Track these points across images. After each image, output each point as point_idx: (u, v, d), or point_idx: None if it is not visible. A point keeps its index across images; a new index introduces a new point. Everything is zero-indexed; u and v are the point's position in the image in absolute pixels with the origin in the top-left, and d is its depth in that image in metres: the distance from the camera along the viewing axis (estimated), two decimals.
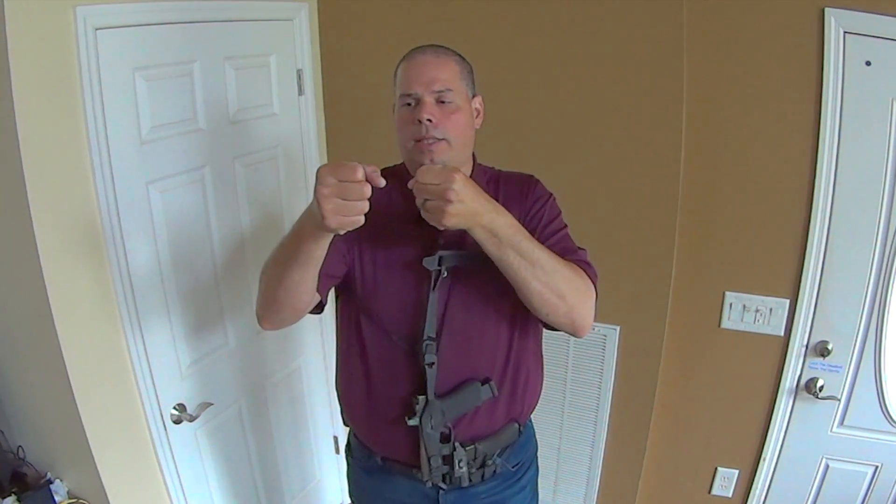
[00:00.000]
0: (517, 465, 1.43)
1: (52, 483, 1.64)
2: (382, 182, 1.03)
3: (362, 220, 1.02)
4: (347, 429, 1.51)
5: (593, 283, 1.25)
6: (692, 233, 1.96)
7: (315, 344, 2.40)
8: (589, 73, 1.90)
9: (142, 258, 1.69)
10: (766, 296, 1.96)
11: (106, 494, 1.64)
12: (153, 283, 1.74)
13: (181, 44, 1.72)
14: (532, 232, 1.25)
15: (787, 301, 1.94)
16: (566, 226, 1.36)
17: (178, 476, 1.88)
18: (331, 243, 1.17)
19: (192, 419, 1.85)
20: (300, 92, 2.15)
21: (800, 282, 1.90)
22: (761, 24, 1.75)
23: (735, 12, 1.77)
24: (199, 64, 1.77)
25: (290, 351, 2.29)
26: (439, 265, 1.24)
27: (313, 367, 2.42)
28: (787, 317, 1.95)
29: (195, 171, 1.83)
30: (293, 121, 2.16)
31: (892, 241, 1.81)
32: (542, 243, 1.22)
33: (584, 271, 1.24)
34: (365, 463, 1.46)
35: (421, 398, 1.28)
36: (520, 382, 1.37)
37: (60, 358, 1.51)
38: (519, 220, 1.24)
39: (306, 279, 1.18)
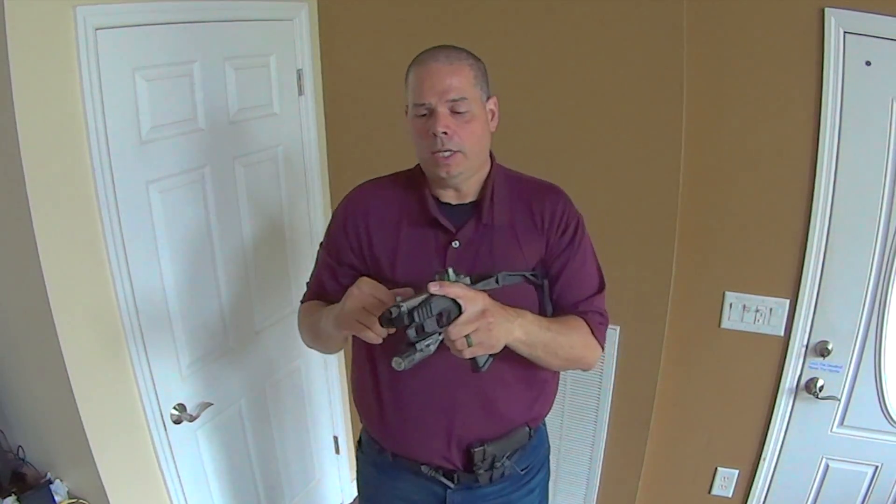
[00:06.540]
0: (526, 468, 1.42)
1: (52, 483, 1.64)
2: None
3: (372, 337, 1.15)
4: (355, 425, 1.52)
5: (603, 336, 1.37)
6: (692, 233, 1.96)
7: None
8: (589, 73, 1.90)
9: (142, 258, 1.69)
10: (766, 296, 1.96)
11: (106, 494, 1.64)
12: (153, 283, 1.74)
13: (181, 44, 1.72)
14: (552, 263, 1.32)
15: (787, 301, 1.94)
16: (592, 248, 1.39)
17: (178, 476, 1.88)
18: (339, 265, 1.34)
19: (192, 419, 1.85)
20: (300, 92, 2.15)
21: (800, 282, 1.90)
22: (761, 24, 1.75)
23: (735, 12, 1.77)
24: (199, 64, 1.77)
25: (289, 351, 2.29)
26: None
27: (313, 368, 2.42)
28: (787, 317, 1.95)
29: (195, 171, 1.83)
30: (293, 121, 2.16)
31: (892, 241, 1.81)
32: (563, 286, 1.33)
33: (595, 330, 1.33)
34: (375, 458, 1.46)
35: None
36: (535, 388, 1.38)
37: (60, 358, 1.51)
38: (539, 239, 1.30)
39: (335, 345, 1.41)
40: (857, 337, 1.91)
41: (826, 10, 1.67)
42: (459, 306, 1.10)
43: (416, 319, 1.06)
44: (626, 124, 1.90)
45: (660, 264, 1.98)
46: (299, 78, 2.14)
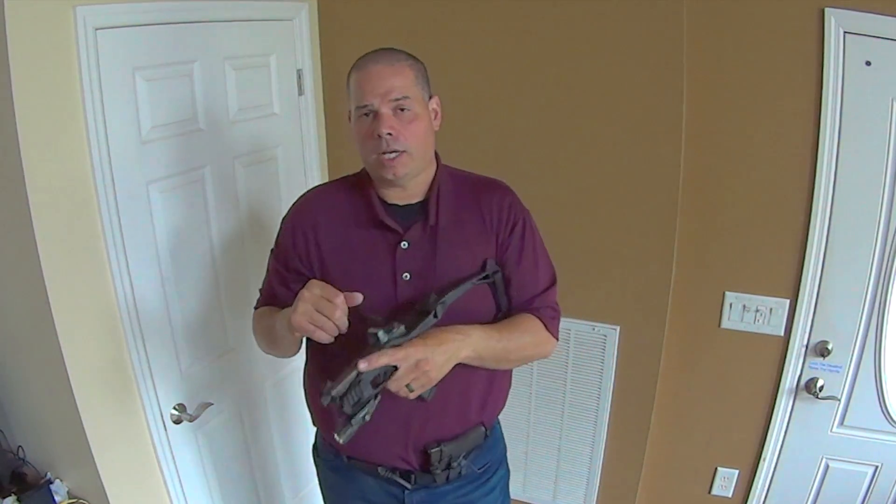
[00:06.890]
0: (483, 467, 1.43)
1: (52, 483, 1.64)
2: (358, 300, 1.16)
3: (324, 337, 1.14)
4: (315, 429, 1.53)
5: (556, 329, 1.39)
6: (692, 233, 1.96)
7: None
8: (589, 73, 1.90)
9: (141, 258, 1.69)
10: (766, 296, 1.96)
11: (106, 494, 1.64)
12: (153, 283, 1.74)
13: (181, 44, 1.72)
14: (504, 261, 1.32)
15: (787, 301, 1.94)
16: (541, 243, 1.38)
17: (178, 476, 1.88)
18: (287, 271, 1.34)
19: (192, 419, 1.85)
20: (300, 92, 2.15)
21: (800, 282, 1.90)
22: (761, 24, 1.75)
23: (735, 12, 1.77)
24: (199, 64, 1.77)
25: None
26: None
27: None
28: (787, 317, 1.95)
29: (195, 171, 1.82)
30: (293, 121, 2.16)
31: (892, 241, 1.81)
32: (516, 284, 1.32)
33: (547, 325, 1.34)
34: (331, 462, 1.47)
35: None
36: (487, 387, 1.38)
37: (60, 358, 1.50)
38: (488, 236, 1.30)
39: (290, 348, 1.37)
40: (857, 337, 1.91)
41: (826, 10, 1.67)
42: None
43: (345, 407, 1.10)
44: (627, 124, 1.90)
45: (660, 264, 1.98)
46: (299, 78, 2.14)
